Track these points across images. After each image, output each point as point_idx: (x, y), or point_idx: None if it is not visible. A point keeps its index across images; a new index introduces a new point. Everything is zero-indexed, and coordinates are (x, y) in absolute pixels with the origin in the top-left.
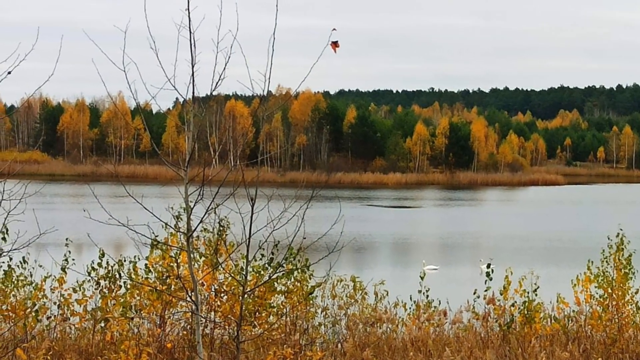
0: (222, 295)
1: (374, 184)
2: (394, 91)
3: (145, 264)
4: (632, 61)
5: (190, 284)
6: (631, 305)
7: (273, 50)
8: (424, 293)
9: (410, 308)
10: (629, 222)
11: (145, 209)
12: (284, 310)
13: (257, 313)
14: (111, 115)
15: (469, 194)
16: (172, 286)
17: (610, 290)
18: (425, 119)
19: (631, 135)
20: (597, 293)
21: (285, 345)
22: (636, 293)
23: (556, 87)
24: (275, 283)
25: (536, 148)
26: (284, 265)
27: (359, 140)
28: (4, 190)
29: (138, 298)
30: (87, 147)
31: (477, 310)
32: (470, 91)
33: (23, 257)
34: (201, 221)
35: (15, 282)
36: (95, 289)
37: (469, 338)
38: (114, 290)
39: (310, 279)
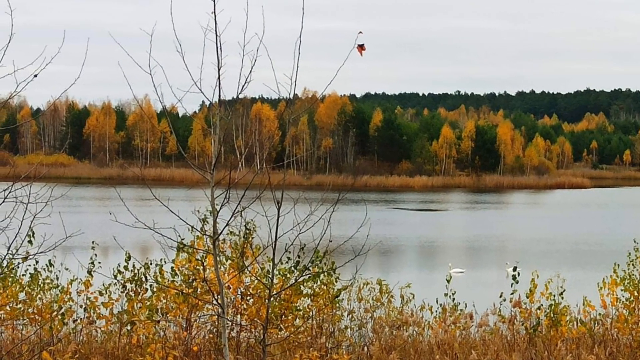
0: (248, 298)
1: (400, 187)
2: (420, 94)
3: (172, 267)
4: None
5: (216, 287)
6: None
7: (299, 53)
8: (450, 296)
9: (436, 311)
10: None
11: (172, 212)
12: (310, 313)
13: (283, 316)
14: (137, 118)
15: (495, 197)
16: (198, 289)
17: (636, 293)
18: (452, 122)
19: None
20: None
21: (311, 349)
22: None
23: (582, 90)
24: (302, 286)
25: (562, 151)
26: (310, 268)
27: (385, 143)
28: (30, 194)
29: (164, 301)
30: (113, 150)
31: (504, 313)
32: (497, 94)
33: (49, 261)
34: (227, 224)
35: (42, 285)
36: (122, 292)
37: (495, 341)
38: (140, 294)
39: (336, 282)
